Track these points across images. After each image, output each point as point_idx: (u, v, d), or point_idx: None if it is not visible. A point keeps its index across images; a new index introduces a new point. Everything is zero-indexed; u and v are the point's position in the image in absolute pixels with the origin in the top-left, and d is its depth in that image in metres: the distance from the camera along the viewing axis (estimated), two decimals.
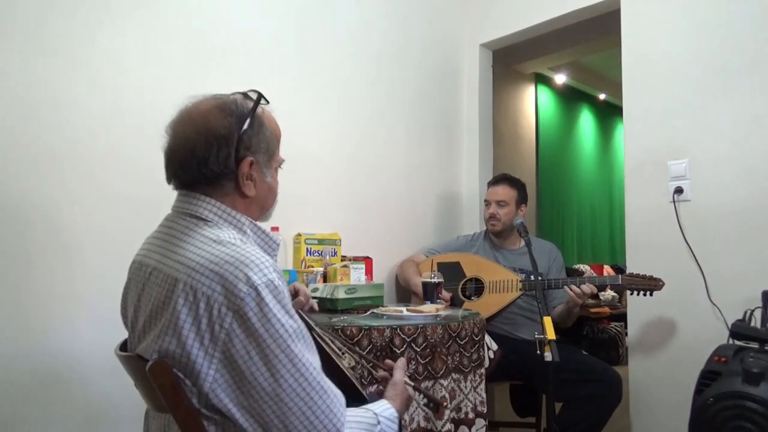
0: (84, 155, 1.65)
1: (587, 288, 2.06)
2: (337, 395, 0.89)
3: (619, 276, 2.07)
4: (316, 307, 1.45)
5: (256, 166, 0.97)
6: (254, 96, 0.99)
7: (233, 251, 0.86)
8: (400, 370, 1.18)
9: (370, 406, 1.01)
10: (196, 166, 0.93)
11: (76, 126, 1.64)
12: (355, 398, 1.26)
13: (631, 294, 2.11)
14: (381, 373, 1.17)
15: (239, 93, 1.01)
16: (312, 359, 0.87)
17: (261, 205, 1.02)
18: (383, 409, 1.01)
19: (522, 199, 2.43)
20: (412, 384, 1.23)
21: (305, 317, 1.25)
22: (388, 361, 1.20)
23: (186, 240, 0.91)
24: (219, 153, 0.93)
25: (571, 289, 2.06)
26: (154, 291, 0.89)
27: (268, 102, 1.02)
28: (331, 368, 1.26)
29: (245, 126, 0.95)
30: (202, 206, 0.94)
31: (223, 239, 0.89)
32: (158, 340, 0.86)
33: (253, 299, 0.82)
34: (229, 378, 0.84)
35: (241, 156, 0.94)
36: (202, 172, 0.94)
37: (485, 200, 2.47)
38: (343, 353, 1.30)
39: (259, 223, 1.02)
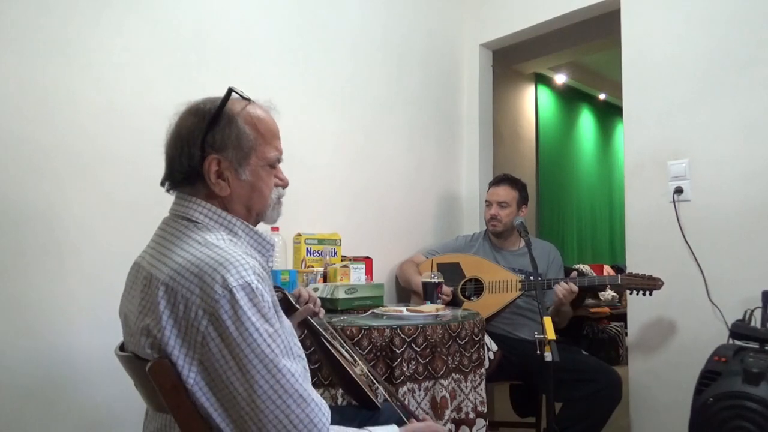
0: (81, 155, 1.64)
1: (567, 287, 2.07)
2: (318, 404, 0.86)
3: (618, 276, 2.07)
4: (321, 312, 1.36)
5: (227, 164, 0.94)
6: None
7: (214, 253, 0.85)
8: (433, 424, 1.10)
9: (374, 428, 0.96)
10: (169, 169, 0.96)
11: (73, 126, 1.63)
12: (366, 405, 1.25)
13: (631, 294, 2.11)
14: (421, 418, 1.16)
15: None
16: (290, 365, 0.84)
17: (245, 205, 0.99)
18: (383, 429, 0.97)
19: (523, 199, 2.43)
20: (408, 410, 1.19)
21: (313, 324, 1.23)
22: (426, 418, 1.15)
23: (175, 243, 0.91)
24: (182, 153, 0.93)
25: (559, 285, 2.07)
26: (143, 292, 0.90)
27: (247, 98, 0.99)
28: (341, 375, 1.25)
29: (211, 124, 0.93)
30: (192, 208, 0.94)
31: (209, 241, 0.89)
32: (143, 341, 0.86)
33: (228, 301, 0.80)
34: (208, 381, 0.83)
35: (205, 154, 0.93)
36: (172, 174, 0.95)
37: (486, 201, 2.46)
38: (355, 361, 1.29)
39: (252, 224, 1.01)
